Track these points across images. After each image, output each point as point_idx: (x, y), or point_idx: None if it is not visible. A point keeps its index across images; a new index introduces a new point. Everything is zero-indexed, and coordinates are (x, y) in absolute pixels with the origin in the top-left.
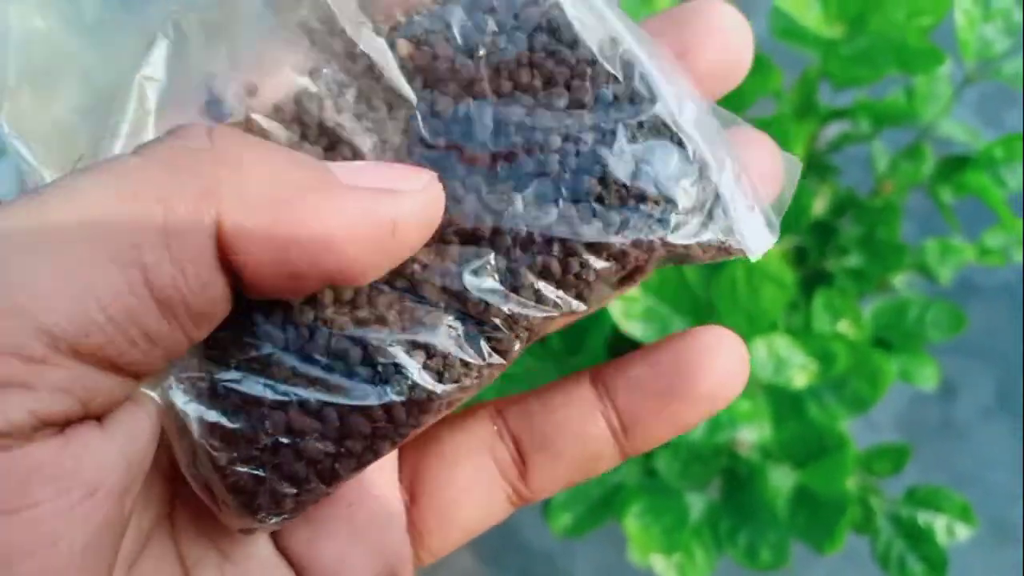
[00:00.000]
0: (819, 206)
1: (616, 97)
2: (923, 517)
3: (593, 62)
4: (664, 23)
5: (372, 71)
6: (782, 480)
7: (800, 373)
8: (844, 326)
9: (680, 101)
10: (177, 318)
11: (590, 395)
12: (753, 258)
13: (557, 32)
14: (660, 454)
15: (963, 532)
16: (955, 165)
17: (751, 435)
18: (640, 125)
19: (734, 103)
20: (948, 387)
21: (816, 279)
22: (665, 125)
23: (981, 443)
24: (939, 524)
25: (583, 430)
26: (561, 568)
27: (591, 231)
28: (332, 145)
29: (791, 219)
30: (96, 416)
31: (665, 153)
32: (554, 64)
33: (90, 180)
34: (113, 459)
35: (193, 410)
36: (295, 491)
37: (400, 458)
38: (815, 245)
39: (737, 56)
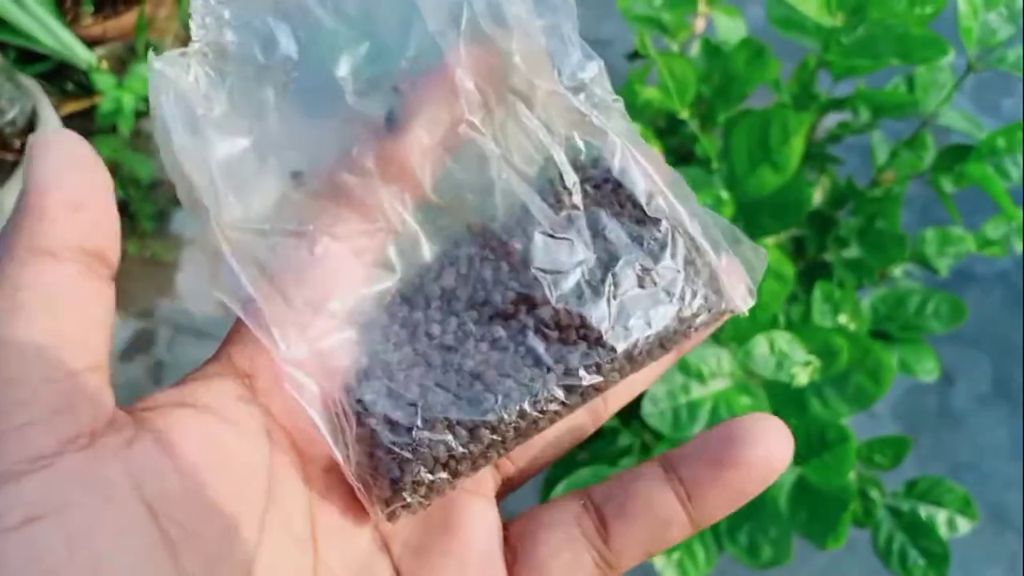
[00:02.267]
0: (818, 197)
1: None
2: (924, 510)
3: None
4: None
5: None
6: (783, 475)
7: (802, 371)
8: (843, 318)
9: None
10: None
11: (659, 471)
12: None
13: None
14: (660, 449)
15: (964, 525)
16: (956, 155)
17: None
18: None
19: (732, 92)
20: (946, 375)
21: (815, 270)
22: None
23: (979, 431)
24: (940, 517)
25: (653, 497)
26: None
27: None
28: None
29: (790, 210)
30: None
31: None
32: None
33: None
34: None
35: (375, 405)
36: (430, 478)
37: (504, 526)
38: (814, 236)
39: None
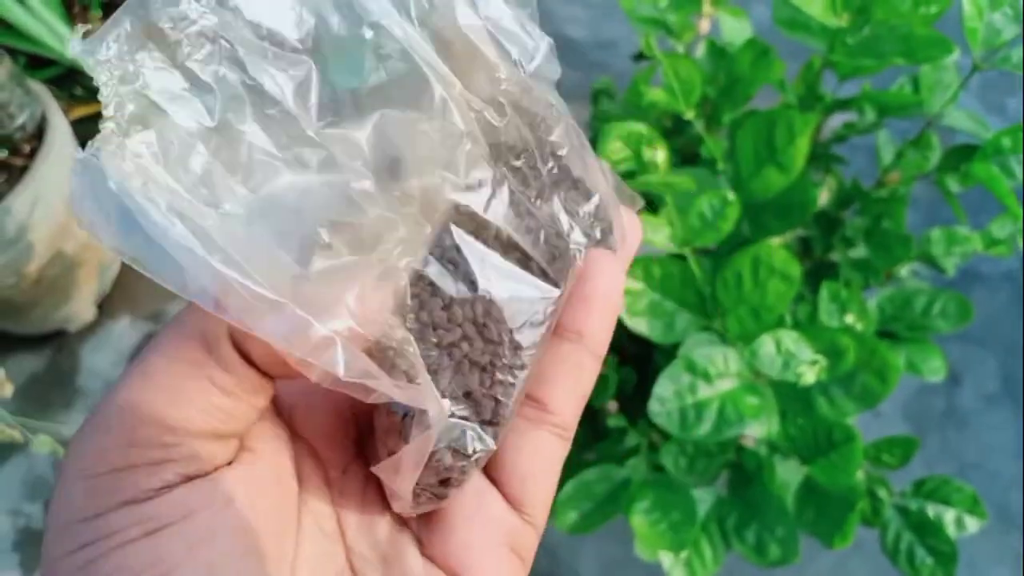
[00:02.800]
0: (824, 197)
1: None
2: (932, 509)
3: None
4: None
5: None
6: (790, 474)
7: (809, 370)
8: (850, 318)
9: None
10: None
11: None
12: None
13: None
14: (666, 449)
15: (972, 524)
16: (962, 155)
17: (758, 430)
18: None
19: (737, 93)
20: (952, 375)
21: (822, 270)
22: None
23: (985, 430)
24: (948, 516)
25: (559, 355)
26: (565, 563)
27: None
28: None
29: (796, 210)
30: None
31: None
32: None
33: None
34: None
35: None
36: (455, 468)
37: None
38: (820, 236)
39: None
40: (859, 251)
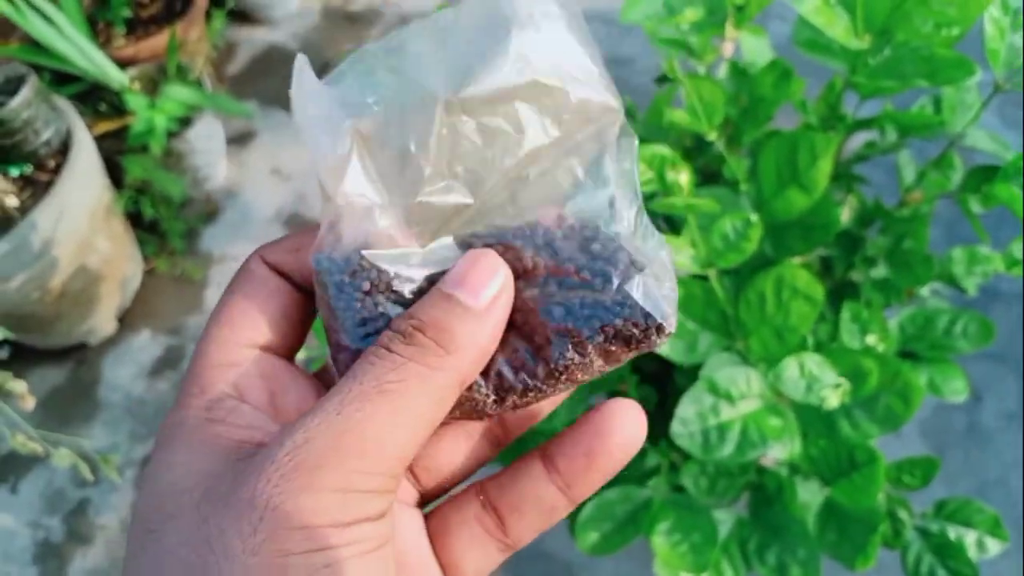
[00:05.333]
0: (845, 216)
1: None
2: (953, 531)
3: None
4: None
5: None
6: (811, 496)
7: (833, 393)
8: (871, 338)
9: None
10: None
11: (540, 467)
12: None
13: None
14: (687, 470)
15: (994, 546)
16: (983, 175)
17: (780, 452)
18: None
19: (759, 114)
20: (973, 393)
21: (843, 290)
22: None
23: (1007, 448)
24: (969, 538)
25: (539, 494)
26: None
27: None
28: None
29: (818, 231)
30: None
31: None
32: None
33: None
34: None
35: None
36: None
37: (428, 529)
38: (841, 256)
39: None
40: (880, 270)
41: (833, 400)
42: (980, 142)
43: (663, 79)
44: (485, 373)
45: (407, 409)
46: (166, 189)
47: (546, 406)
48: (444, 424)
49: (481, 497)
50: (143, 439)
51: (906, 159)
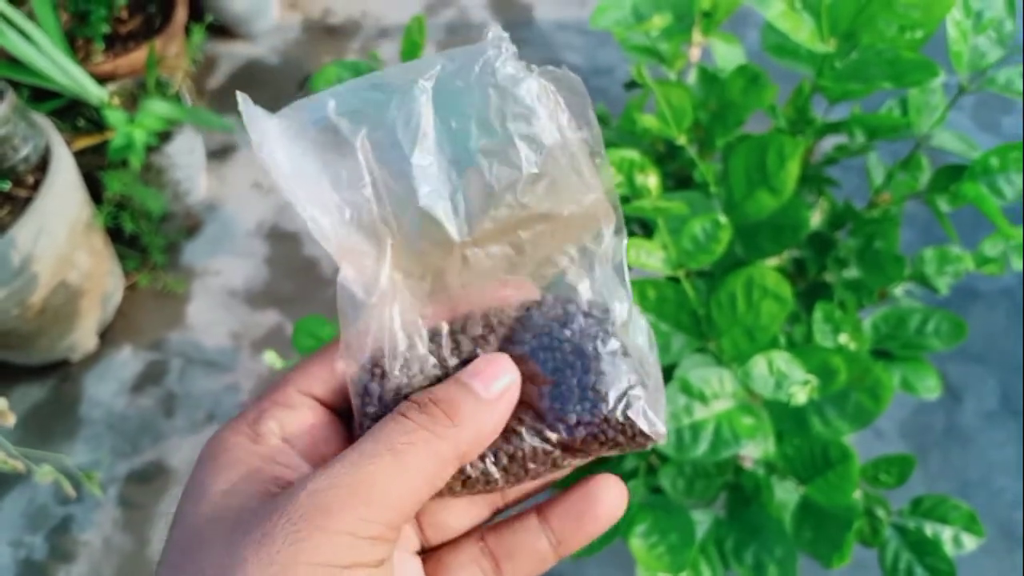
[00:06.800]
0: (817, 218)
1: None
2: (930, 528)
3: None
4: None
5: None
6: (788, 495)
7: (801, 390)
8: (844, 338)
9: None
10: None
11: (535, 522)
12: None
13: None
14: (665, 471)
15: (970, 542)
16: (951, 175)
17: (755, 451)
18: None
19: (729, 118)
20: (952, 393)
21: (816, 291)
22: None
23: (986, 448)
24: (946, 535)
25: (533, 546)
26: None
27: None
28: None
29: (787, 232)
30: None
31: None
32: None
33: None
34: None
35: None
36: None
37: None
38: (814, 257)
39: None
40: (853, 271)
41: (801, 396)
42: (947, 142)
43: (632, 85)
44: (496, 456)
45: (411, 468)
46: (146, 204)
47: (541, 484)
48: (458, 495)
49: (481, 543)
50: (126, 455)
51: (875, 161)
